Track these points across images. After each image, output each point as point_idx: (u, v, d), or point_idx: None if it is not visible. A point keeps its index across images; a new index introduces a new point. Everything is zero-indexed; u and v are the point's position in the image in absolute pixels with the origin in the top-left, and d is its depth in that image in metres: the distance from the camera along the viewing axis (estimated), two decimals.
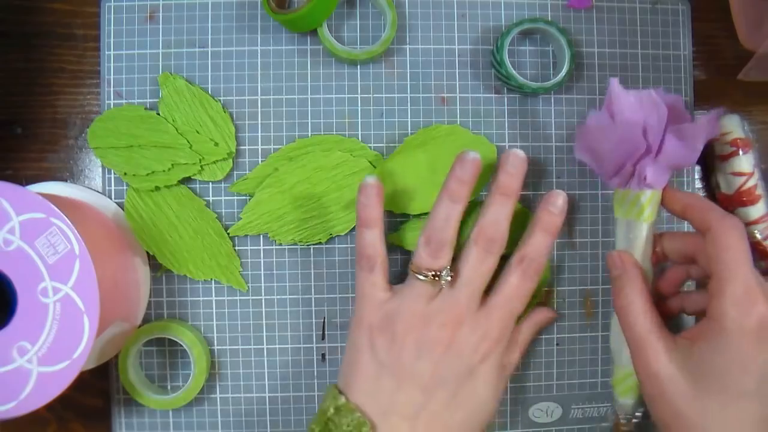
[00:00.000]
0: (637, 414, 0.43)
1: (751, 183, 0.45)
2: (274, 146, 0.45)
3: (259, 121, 0.45)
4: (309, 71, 0.45)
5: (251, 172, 0.44)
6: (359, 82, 0.46)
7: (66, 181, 0.45)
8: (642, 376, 0.37)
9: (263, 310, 0.45)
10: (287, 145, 0.45)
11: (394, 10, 0.43)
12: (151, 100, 0.45)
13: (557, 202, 0.41)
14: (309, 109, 0.45)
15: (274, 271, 0.45)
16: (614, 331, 0.43)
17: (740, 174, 0.45)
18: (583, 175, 0.47)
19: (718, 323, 0.33)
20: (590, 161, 0.43)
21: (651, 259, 0.42)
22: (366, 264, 0.40)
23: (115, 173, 0.44)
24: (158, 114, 0.44)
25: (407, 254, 0.45)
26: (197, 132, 0.44)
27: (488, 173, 0.44)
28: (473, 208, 0.43)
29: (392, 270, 0.46)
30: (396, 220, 0.45)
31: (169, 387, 0.45)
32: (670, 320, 0.40)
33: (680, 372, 0.34)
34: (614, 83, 0.40)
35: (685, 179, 0.47)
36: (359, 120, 0.46)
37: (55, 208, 0.33)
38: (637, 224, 0.41)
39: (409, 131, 0.46)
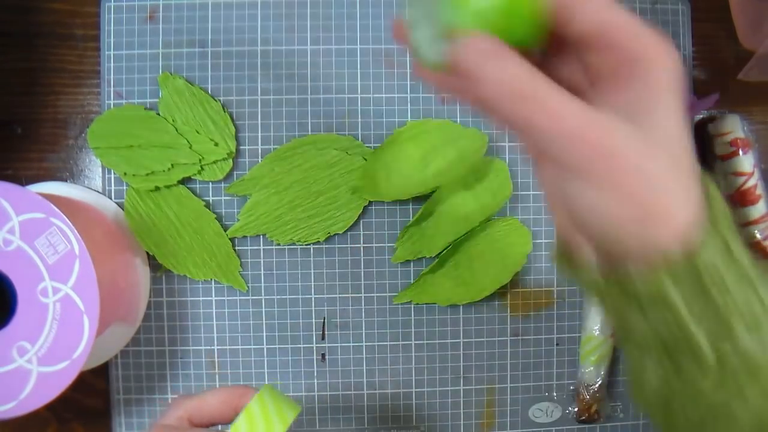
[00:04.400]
0: (597, 381, 0.44)
1: (751, 183, 0.45)
2: (274, 146, 0.45)
3: (259, 121, 0.45)
4: (309, 71, 0.45)
5: (247, 173, 0.44)
6: (359, 82, 0.46)
7: (66, 181, 0.45)
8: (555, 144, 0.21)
9: (263, 310, 0.45)
10: (283, 145, 0.45)
11: None
12: (151, 100, 0.45)
13: None
14: (309, 109, 0.45)
15: (274, 271, 0.45)
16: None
17: (740, 174, 0.45)
18: None
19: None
20: None
21: None
22: None
23: (115, 173, 0.44)
24: (158, 114, 0.44)
25: (407, 265, 0.45)
26: (197, 132, 0.44)
27: (470, 164, 0.44)
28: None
29: (396, 282, 0.46)
30: (395, 221, 0.45)
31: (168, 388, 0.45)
32: None
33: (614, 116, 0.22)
34: None
35: None
36: (359, 119, 0.46)
37: (55, 208, 0.33)
38: None
39: None
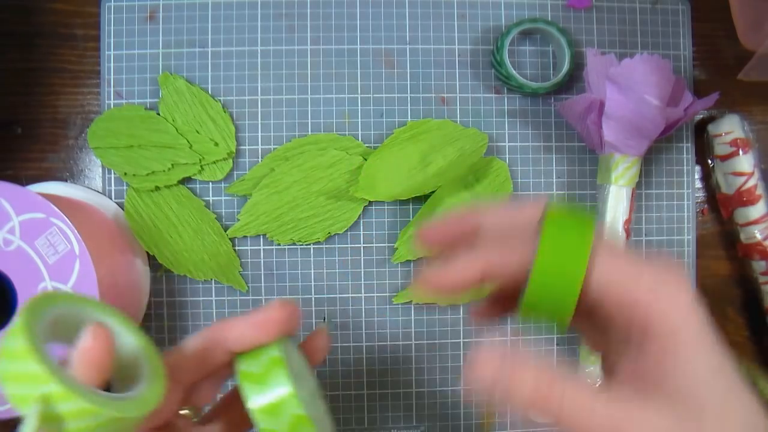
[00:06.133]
0: (598, 381, 0.45)
1: (751, 183, 0.45)
2: (274, 146, 0.45)
3: (259, 121, 0.45)
4: (309, 71, 0.45)
5: (248, 173, 0.45)
6: (359, 82, 0.46)
7: (66, 181, 0.45)
8: None
9: None
10: (283, 145, 0.45)
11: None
12: (151, 100, 0.45)
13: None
14: (309, 109, 0.45)
15: (274, 271, 0.45)
16: None
17: (740, 174, 0.45)
18: (583, 175, 0.47)
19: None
20: (579, 132, 0.46)
21: (624, 225, 0.43)
22: None
23: (115, 173, 0.44)
24: (158, 114, 0.44)
25: (407, 265, 0.45)
26: (197, 132, 0.44)
27: (470, 164, 0.44)
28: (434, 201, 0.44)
29: (396, 282, 0.46)
30: (394, 233, 0.45)
31: None
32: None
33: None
34: (590, 52, 0.42)
35: (685, 179, 0.47)
36: (359, 120, 0.46)
37: (55, 208, 0.33)
38: (607, 187, 0.43)
39: None
